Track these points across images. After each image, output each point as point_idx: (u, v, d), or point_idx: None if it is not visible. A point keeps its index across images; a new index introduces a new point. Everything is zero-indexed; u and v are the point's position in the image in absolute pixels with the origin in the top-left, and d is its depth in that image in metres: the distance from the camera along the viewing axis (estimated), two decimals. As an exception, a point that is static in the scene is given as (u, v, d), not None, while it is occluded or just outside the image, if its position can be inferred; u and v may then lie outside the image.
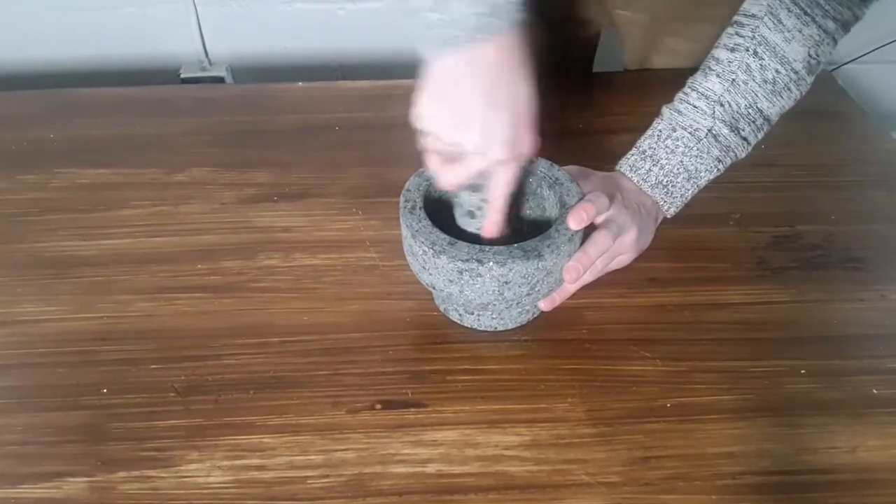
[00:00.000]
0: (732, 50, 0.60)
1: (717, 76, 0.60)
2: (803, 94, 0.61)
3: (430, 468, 0.50)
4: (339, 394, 0.54)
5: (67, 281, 0.63)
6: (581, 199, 0.55)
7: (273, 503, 0.48)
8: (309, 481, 0.49)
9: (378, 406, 0.53)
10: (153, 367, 0.56)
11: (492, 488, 0.48)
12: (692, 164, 0.61)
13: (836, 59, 1.44)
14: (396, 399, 0.54)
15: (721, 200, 0.71)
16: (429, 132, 0.49)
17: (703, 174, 0.61)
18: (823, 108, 0.86)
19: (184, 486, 0.49)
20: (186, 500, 0.48)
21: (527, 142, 0.49)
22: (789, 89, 0.59)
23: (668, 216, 0.64)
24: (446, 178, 0.51)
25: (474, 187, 0.53)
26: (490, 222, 0.54)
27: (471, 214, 0.56)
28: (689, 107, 0.61)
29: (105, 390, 0.54)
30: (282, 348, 0.58)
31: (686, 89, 0.62)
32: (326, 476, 0.49)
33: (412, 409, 0.53)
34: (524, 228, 0.59)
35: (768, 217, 0.70)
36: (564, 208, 0.55)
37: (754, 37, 0.58)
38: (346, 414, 0.53)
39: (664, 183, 0.62)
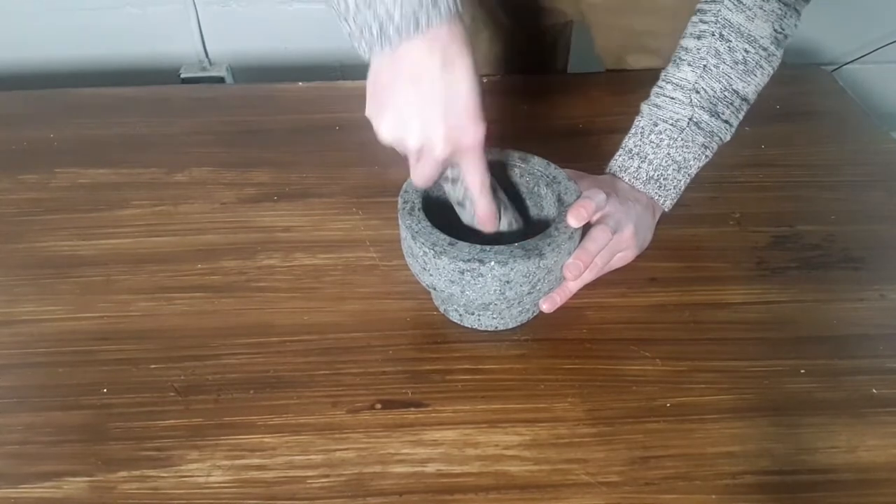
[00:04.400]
0: (699, 37, 0.60)
1: (689, 65, 0.61)
2: (775, 68, 0.61)
3: (430, 468, 0.50)
4: (339, 394, 0.54)
5: (67, 281, 0.63)
6: (579, 196, 0.55)
7: (273, 503, 0.48)
8: (309, 481, 0.49)
9: (378, 406, 0.53)
10: (153, 366, 0.56)
11: (492, 488, 0.48)
12: (679, 155, 0.61)
13: (837, 59, 1.44)
14: (396, 399, 0.54)
15: (721, 200, 0.71)
16: (377, 136, 0.49)
17: (691, 163, 0.62)
18: (823, 108, 0.86)
19: (184, 485, 0.48)
20: (186, 500, 0.48)
21: (470, 132, 0.48)
22: (761, 66, 0.60)
23: (666, 209, 0.64)
24: (417, 176, 0.51)
25: (453, 179, 0.53)
26: (479, 210, 0.53)
27: (460, 205, 0.56)
28: (667, 99, 0.61)
29: (105, 390, 0.54)
30: (282, 348, 0.58)
31: (660, 83, 0.63)
32: (326, 476, 0.49)
33: (412, 409, 0.53)
34: (525, 230, 0.59)
35: (768, 217, 0.70)
36: (563, 206, 0.55)
37: (717, 20, 0.59)
38: (346, 414, 0.53)
39: (655, 177, 0.62)
